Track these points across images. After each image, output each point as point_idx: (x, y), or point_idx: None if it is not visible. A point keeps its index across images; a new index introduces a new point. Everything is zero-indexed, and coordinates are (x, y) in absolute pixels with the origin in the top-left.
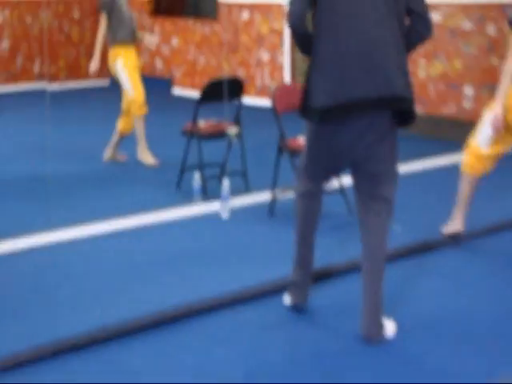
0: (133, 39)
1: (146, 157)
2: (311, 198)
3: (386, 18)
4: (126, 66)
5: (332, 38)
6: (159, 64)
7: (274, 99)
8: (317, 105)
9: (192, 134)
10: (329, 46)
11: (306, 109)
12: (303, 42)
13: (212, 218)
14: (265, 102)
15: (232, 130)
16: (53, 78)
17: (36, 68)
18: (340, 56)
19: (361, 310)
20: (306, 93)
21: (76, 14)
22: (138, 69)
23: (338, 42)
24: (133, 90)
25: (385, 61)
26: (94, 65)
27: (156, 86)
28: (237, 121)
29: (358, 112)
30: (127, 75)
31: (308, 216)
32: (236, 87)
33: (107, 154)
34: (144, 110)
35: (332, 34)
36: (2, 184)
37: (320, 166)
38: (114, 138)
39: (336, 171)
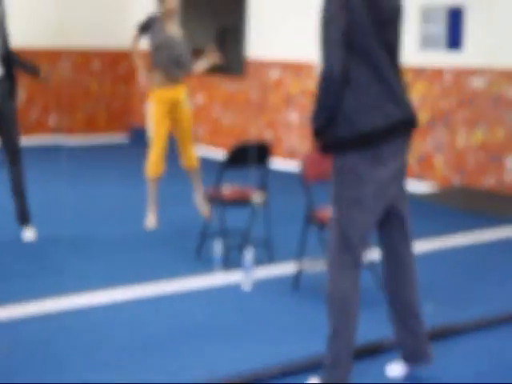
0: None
1: (150, 220)
2: (357, 268)
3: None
4: (155, 113)
5: (371, 64)
6: None
7: (303, 167)
8: (366, 127)
9: (215, 200)
10: (369, 73)
11: (342, 140)
12: (337, 93)
13: (233, 289)
14: (293, 166)
15: (257, 198)
16: (69, 131)
17: (51, 121)
18: (378, 80)
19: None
20: (345, 122)
21: (95, 66)
22: (167, 120)
23: (376, 68)
24: (152, 147)
25: (399, 86)
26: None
27: None
28: (262, 187)
29: (399, 133)
30: (153, 126)
31: (355, 293)
32: (263, 152)
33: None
34: (158, 172)
35: (370, 60)
36: (11, 245)
37: (367, 214)
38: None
39: (380, 214)
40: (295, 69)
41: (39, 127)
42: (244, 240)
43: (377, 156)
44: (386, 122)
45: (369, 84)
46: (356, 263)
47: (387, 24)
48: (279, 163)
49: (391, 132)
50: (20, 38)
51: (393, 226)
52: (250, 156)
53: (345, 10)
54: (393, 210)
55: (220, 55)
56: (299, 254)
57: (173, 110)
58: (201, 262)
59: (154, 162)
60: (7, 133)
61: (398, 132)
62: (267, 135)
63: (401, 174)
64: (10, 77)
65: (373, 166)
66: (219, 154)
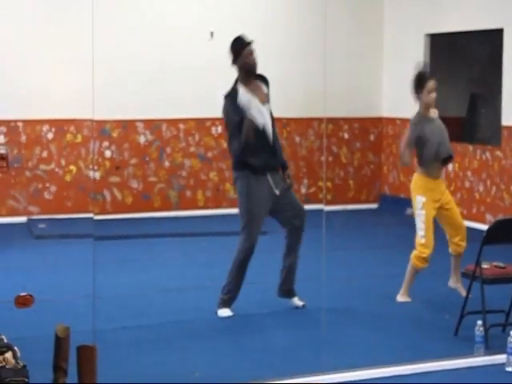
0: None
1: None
2: None
3: None
4: (424, 208)
5: None
6: None
7: None
8: None
9: (475, 277)
10: None
11: None
12: None
13: (494, 370)
14: None
15: None
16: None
17: None
18: None
19: None
20: None
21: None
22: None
23: None
24: (423, 239)
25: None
26: None
27: None
28: None
29: None
30: (422, 219)
31: None
32: None
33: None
34: (424, 264)
35: None
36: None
37: None
38: (452, 261)
39: None
40: None
41: None
42: (506, 319)
43: None
44: None
45: None
46: None
47: None
48: None
49: None
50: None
51: None
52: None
53: None
54: None
55: None
56: None
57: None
58: (458, 340)
59: (426, 256)
60: None
61: None
62: None
63: None
64: None
65: None
66: (473, 223)
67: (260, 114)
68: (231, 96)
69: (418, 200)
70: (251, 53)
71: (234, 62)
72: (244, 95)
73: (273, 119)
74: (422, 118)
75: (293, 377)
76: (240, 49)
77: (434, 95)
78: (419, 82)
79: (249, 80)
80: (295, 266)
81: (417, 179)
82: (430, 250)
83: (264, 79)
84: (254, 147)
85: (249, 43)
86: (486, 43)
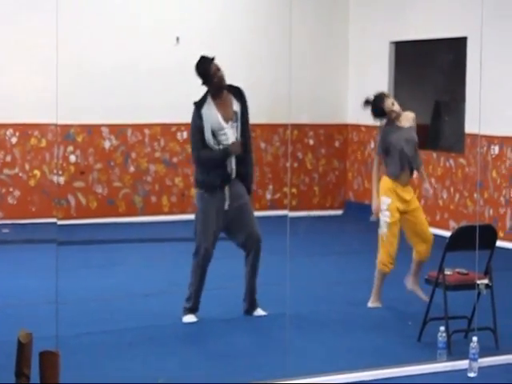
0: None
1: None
2: None
3: None
4: (388, 210)
5: None
6: None
7: None
8: None
9: (437, 283)
10: None
11: None
12: None
13: (457, 376)
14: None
15: (483, 283)
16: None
17: None
18: None
19: None
20: None
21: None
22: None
23: None
24: (381, 247)
25: None
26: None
27: None
28: (488, 272)
29: None
30: (386, 219)
31: None
32: (489, 236)
33: (408, 282)
34: (386, 269)
35: None
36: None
37: None
38: (413, 265)
39: None
40: None
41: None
42: (468, 326)
43: None
44: None
45: None
46: None
47: None
48: (500, 243)
49: None
50: None
51: None
52: (475, 239)
53: None
54: None
55: None
56: None
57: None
58: (420, 346)
59: (385, 260)
60: None
61: None
62: (486, 213)
63: None
64: None
65: None
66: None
67: (219, 131)
68: (197, 105)
69: (383, 201)
70: (218, 69)
71: (204, 83)
72: (208, 108)
73: (246, 132)
74: (388, 125)
75: (259, 381)
76: (206, 69)
77: (395, 108)
78: (377, 109)
79: (218, 94)
80: (254, 283)
81: (384, 181)
82: (393, 252)
83: (238, 92)
84: (210, 165)
85: (212, 59)
86: (450, 51)
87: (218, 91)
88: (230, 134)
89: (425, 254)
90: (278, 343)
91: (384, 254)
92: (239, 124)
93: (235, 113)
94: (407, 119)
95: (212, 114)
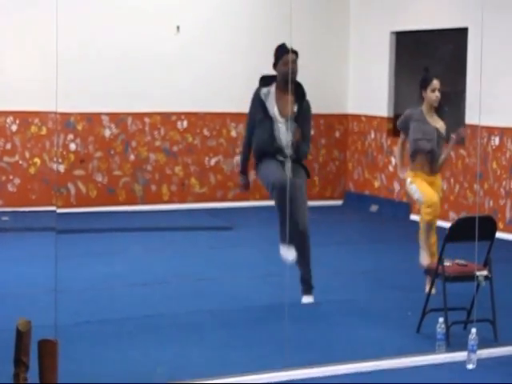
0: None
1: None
2: None
3: None
4: (413, 182)
5: None
6: (397, 187)
7: None
8: None
9: (437, 274)
10: None
11: None
12: None
13: (455, 367)
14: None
15: (482, 275)
16: None
17: None
18: None
19: None
20: None
21: None
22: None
23: None
24: (421, 195)
25: None
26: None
27: (394, 209)
28: (487, 264)
29: None
30: (414, 188)
31: None
32: (489, 227)
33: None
34: (433, 215)
35: None
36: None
37: None
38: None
39: None
40: None
41: None
42: (467, 317)
43: None
44: None
45: None
46: None
47: None
48: (500, 235)
49: None
50: None
51: None
52: (475, 230)
53: None
54: None
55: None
56: None
57: None
58: (420, 337)
59: (432, 202)
60: None
61: None
62: (486, 205)
63: None
64: None
65: None
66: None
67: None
68: (257, 91)
69: (407, 182)
70: (287, 63)
71: (274, 66)
72: (271, 94)
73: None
74: (417, 112)
75: (256, 373)
76: (279, 56)
77: (436, 94)
78: (424, 81)
79: (282, 87)
80: (304, 269)
81: (408, 174)
82: (433, 201)
83: (299, 94)
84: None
85: (287, 52)
86: (450, 42)
87: (283, 83)
88: (283, 131)
89: (426, 217)
90: (278, 334)
91: (424, 209)
92: (292, 125)
93: (293, 112)
94: (435, 120)
95: (270, 104)
